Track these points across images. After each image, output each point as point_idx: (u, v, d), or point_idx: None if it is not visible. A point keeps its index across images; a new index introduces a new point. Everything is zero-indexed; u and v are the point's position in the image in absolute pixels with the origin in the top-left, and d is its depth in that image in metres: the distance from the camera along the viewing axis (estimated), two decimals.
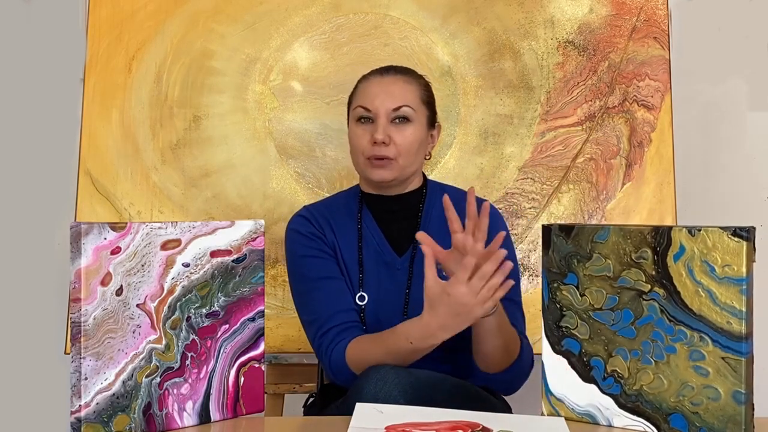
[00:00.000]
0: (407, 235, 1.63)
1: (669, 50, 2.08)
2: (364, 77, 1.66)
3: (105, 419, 1.16)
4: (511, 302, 1.54)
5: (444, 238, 1.62)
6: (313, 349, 1.57)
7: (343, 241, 1.62)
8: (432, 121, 1.66)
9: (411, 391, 1.32)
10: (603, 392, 1.24)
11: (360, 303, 1.58)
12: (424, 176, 1.70)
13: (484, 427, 1.19)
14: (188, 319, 1.25)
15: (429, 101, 1.66)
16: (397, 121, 1.59)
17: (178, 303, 1.24)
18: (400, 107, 1.59)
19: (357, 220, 1.64)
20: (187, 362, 1.25)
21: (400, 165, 1.59)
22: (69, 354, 1.25)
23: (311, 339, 1.56)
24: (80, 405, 1.14)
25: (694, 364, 1.16)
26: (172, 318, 1.23)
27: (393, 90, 1.60)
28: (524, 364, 1.51)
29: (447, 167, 2.08)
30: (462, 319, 1.34)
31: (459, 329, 1.35)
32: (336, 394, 1.55)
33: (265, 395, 1.63)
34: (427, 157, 1.68)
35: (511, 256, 1.62)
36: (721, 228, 1.14)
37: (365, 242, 1.62)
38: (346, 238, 1.62)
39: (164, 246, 1.22)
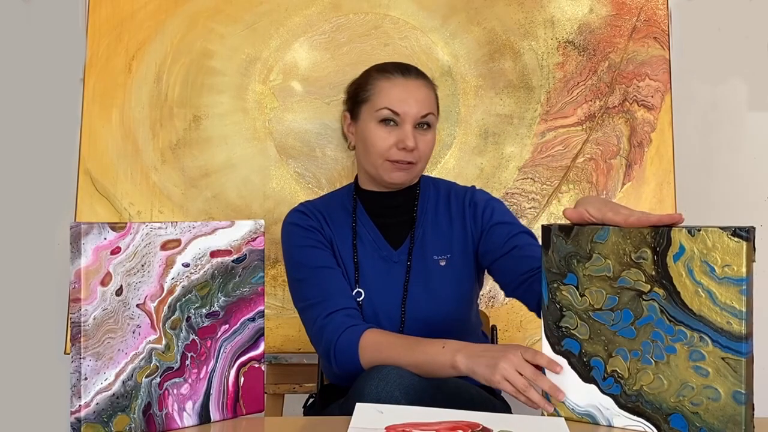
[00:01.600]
0: (403, 229, 1.65)
1: (669, 50, 2.08)
2: (383, 74, 1.63)
3: (105, 419, 1.16)
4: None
5: (437, 231, 1.63)
6: (311, 333, 1.54)
7: (339, 238, 1.63)
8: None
9: (413, 391, 1.32)
10: (603, 392, 1.24)
11: (357, 299, 1.58)
12: None
13: (484, 427, 1.19)
14: (188, 319, 1.25)
15: (438, 106, 1.68)
16: (419, 127, 1.60)
17: (178, 303, 1.24)
18: (427, 114, 1.60)
19: (352, 217, 1.65)
20: (187, 362, 1.25)
21: (419, 169, 1.62)
22: (69, 354, 1.25)
23: (311, 321, 1.53)
24: (80, 405, 1.14)
25: (694, 364, 1.16)
26: (172, 318, 1.23)
27: (419, 96, 1.60)
28: None
29: (447, 167, 2.08)
30: (485, 360, 1.32)
31: (478, 367, 1.32)
32: (336, 394, 1.55)
33: (265, 395, 1.63)
34: None
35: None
36: (721, 228, 1.14)
37: (360, 239, 1.63)
38: (342, 235, 1.63)
39: (164, 246, 1.22)
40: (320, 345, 1.52)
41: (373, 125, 1.60)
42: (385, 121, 1.59)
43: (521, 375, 1.27)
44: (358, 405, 1.25)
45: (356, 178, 1.72)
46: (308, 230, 1.61)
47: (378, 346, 1.44)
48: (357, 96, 1.65)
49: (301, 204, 1.69)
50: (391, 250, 1.63)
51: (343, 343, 1.46)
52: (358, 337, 1.46)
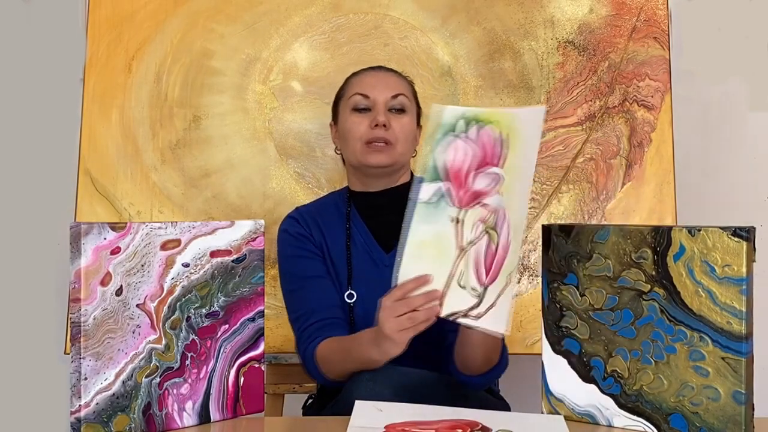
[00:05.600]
0: (394, 232, 1.63)
1: (669, 50, 2.07)
2: (354, 74, 1.73)
3: (105, 419, 1.16)
4: None
5: None
6: (296, 347, 1.60)
7: (331, 241, 1.64)
8: (419, 120, 1.71)
9: (404, 391, 1.32)
10: (603, 392, 1.24)
11: (349, 301, 1.59)
12: (411, 172, 1.73)
13: (483, 425, 1.19)
14: (188, 319, 1.25)
15: (416, 99, 1.72)
16: (393, 111, 1.65)
17: (178, 303, 1.24)
18: (398, 95, 1.65)
19: (345, 219, 1.66)
20: (187, 362, 1.25)
21: (398, 151, 1.64)
22: (69, 354, 1.25)
23: (295, 336, 1.60)
24: (80, 405, 1.14)
25: (694, 364, 1.16)
26: (171, 318, 1.23)
27: (389, 81, 1.68)
28: (500, 369, 1.48)
29: None
30: (382, 337, 1.29)
31: (389, 348, 1.30)
32: (334, 395, 1.56)
33: (265, 395, 1.63)
34: (414, 155, 1.72)
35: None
36: (721, 228, 1.14)
37: (353, 241, 1.64)
38: (335, 237, 1.65)
39: (164, 246, 1.22)
40: (299, 359, 1.59)
41: (348, 114, 1.66)
42: (358, 109, 1.65)
43: (403, 316, 1.24)
44: (357, 402, 1.26)
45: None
46: (297, 238, 1.64)
47: (325, 360, 1.49)
48: (335, 100, 1.74)
49: (295, 209, 1.72)
50: (382, 254, 1.63)
51: (307, 358, 1.53)
52: (313, 352, 1.51)
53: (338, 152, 1.73)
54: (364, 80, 1.68)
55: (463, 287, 1.23)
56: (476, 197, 1.23)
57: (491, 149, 1.23)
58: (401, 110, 1.65)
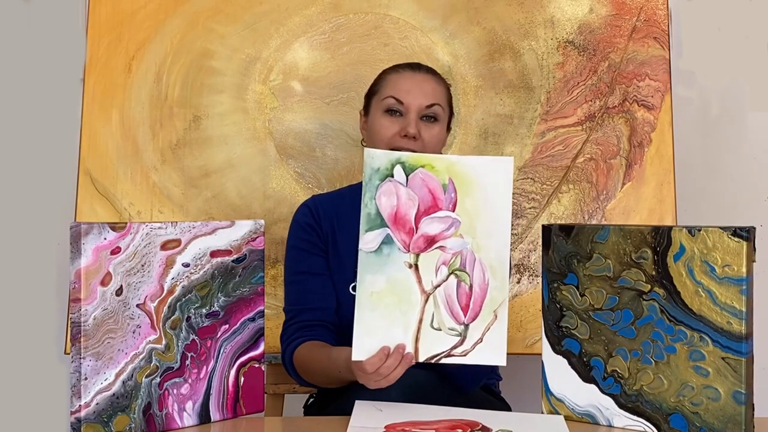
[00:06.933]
0: None
1: (669, 50, 2.07)
2: (393, 69, 1.68)
3: (105, 419, 1.17)
4: None
5: None
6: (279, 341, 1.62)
7: (343, 233, 1.63)
8: (449, 125, 1.69)
9: (409, 391, 1.32)
10: (603, 392, 1.24)
11: (353, 293, 1.60)
12: None
13: (483, 425, 1.19)
14: (188, 319, 1.25)
15: (450, 105, 1.69)
16: (425, 118, 1.61)
17: (178, 303, 1.24)
18: (433, 105, 1.61)
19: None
20: (187, 362, 1.25)
21: None
22: (69, 354, 1.25)
23: (281, 329, 1.61)
24: (80, 405, 1.14)
25: (694, 364, 1.16)
26: (172, 318, 1.23)
27: (426, 87, 1.63)
28: (481, 370, 1.45)
29: None
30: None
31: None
32: (336, 394, 1.56)
33: (265, 395, 1.63)
34: None
35: None
36: (721, 228, 1.14)
37: None
38: (348, 229, 1.64)
39: (164, 246, 1.22)
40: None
41: (379, 115, 1.62)
42: (390, 111, 1.61)
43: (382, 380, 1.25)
44: (357, 402, 1.26)
45: None
46: (304, 229, 1.65)
47: (302, 365, 1.52)
48: (369, 92, 1.70)
49: (312, 197, 1.74)
50: None
51: (286, 358, 1.55)
52: (291, 354, 1.53)
53: (364, 144, 1.70)
54: (400, 84, 1.63)
55: (438, 329, 1.24)
56: (432, 242, 1.23)
57: (436, 194, 1.24)
58: (434, 118, 1.61)
